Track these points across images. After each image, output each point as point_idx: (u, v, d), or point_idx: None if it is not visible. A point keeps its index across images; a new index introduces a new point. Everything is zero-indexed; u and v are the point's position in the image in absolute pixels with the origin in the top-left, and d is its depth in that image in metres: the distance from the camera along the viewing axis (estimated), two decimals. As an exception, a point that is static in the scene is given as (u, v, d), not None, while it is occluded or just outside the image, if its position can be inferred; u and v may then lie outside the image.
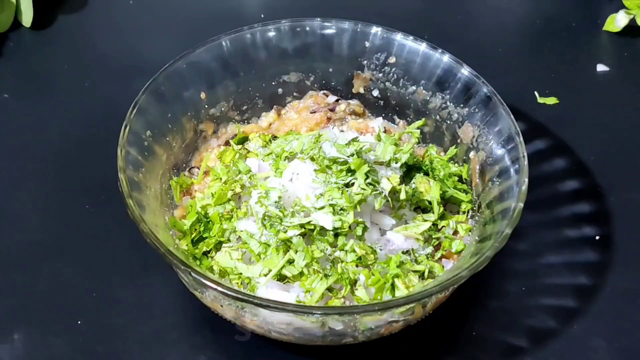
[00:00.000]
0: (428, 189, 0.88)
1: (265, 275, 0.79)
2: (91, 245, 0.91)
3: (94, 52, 1.15)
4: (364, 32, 0.97)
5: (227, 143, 0.96)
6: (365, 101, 1.00)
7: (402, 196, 0.84)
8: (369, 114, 1.00)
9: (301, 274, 0.78)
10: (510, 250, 0.86)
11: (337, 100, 0.99)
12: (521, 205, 0.79)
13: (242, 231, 0.83)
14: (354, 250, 0.80)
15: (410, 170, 0.90)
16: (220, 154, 0.92)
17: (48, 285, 0.88)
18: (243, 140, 0.95)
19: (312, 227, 0.79)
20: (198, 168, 0.93)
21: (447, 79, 0.93)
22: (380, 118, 0.99)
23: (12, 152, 1.01)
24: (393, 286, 0.80)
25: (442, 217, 0.87)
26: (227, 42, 0.94)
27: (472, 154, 0.90)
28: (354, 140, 0.86)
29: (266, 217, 0.81)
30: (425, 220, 0.86)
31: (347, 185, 0.82)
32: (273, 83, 0.99)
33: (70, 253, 0.90)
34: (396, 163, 0.87)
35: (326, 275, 0.78)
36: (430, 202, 0.87)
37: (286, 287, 0.79)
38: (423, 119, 0.96)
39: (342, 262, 0.79)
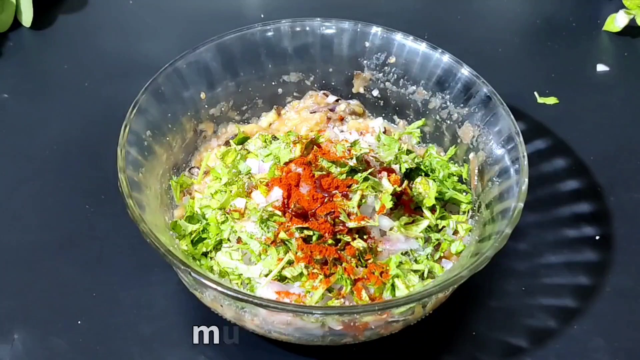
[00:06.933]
0: (427, 189, 0.88)
1: (266, 275, 0.79)
2: (91, 245, 0.91)
3: (94, 52, 1.15)
4: (364, 32, 0.97)
5: (227, 143, 0.96)
6: (365, 101, 1.00)
7: (403, 197, 0.85)
8: (369, 114, 1.00)
9: (301, 274, 0.78)
10: (510, 250, 0.86)
11: (337, 100, 0.99)
12: (521, 205, 0.79)
13: (242, 232, 0.83)
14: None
15: (410, 172, 0.90)
16: (223, 154, 0.92)
17: (48, 285, 0.88)
18: (243, 140, 0.95)
19: (311, 232, 0.79)
20: (198, 168, 0.93)
21: (447, 79, 0.93)
22: (380, 118, 0.99)
23: (12, 152, 1.01)
24: (393, 286, 0.80)
25: (442, 217, 0.88)
26: (227, 42, 0.94)
27: (471, 156, 0.90)
28: (355, 143, 0.86)
29: (263, 220, 0.81)
30: (425, 218, 0.86)
31: (348, 186, 0.82)
32: (273, 83, 0.99)
33: (70, 253, 0.90)
34: (397, 165, 0.88)
35: (326, 276, 0.78)
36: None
37: (286, 286, 0.79)
38: (423, 119, 0.96)
39: (342, 262, 0.79)
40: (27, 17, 1.15)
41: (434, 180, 0.89)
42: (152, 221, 0.78)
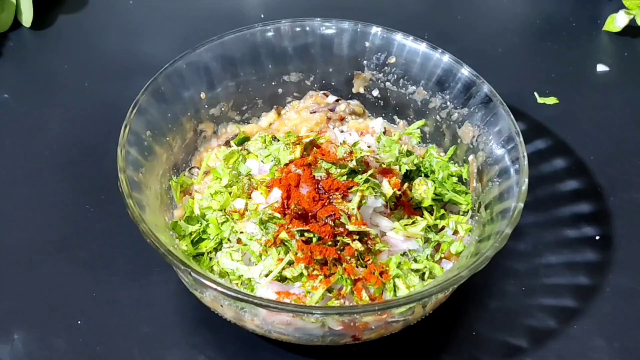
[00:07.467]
0: (427, 190, 0.88)
1: (266, 276, 0.79)
2: (91, 245, 0.91)
3: (94, 52, 1.15)
4: (364, 32, 0.97)
5: (227, 143, 0.96)
6: (365, 101, 1.00)
7: (402, 198, 0.84)
8: (369, 114, 1.00)
9: (301, 274, 0.78)
10: (510, 250, 0.86)
11: (337, 100, 0.99)
12: (521, 205, 0.79)
13: (242, 233, 0.83)
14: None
15: (410, 172, 0.90)
16: (227, 156, 0.91)
17: (48, 285, 0.88)
18: (243, 140, 0.95)
19: (311, 235, 0.79)
20: (198, 168, 0.93)
21: (447, 79, 0.93)
22: (380, 118, 0.99)
23: (12, 152, 1.01)
24: (394, 286, 0.80)
25: (442, 217, 0.88)
26: (227, 42, 0.94)
27: (470, 157, 0.90)
28: (355, 145, 0.86)
29: (263, 222, 0.81)
30: (424, 219, 0.86)
31: (348, 187, 0.82)
32: (273, 83, 0.99)
33: (70, 253, 0.90)
34: (397, 166, 0.88)
35: (326, 276, 0.78)
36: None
37: (287, 287, 0.79)
38: (423, 120, 0.96)
39: (342, 262, 0.79)
40: (27, 17, 1.15)
41: (433, 181, 0.89)
42: (152, 221, 0.78)
